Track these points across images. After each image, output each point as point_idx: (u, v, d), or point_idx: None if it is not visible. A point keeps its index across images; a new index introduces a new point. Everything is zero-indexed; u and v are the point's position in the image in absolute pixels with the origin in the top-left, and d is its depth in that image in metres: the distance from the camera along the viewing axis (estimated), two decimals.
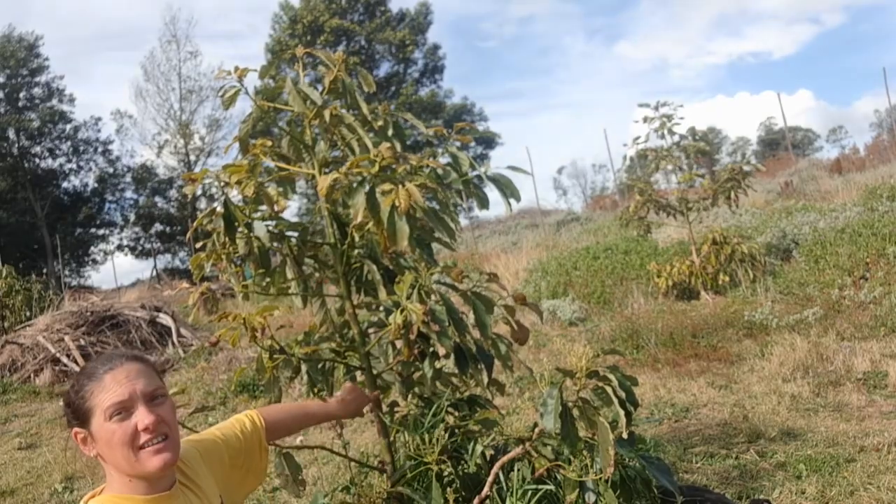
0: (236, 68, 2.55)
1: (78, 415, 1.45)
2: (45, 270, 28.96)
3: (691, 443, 4.05)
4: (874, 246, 7.79)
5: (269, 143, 2.57)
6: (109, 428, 1.41)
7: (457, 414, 2.86)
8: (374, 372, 2.77)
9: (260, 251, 2.55)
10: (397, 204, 2.20)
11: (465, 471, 2.72)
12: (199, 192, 2.64)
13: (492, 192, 2.72)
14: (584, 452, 2.54)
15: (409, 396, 2.90)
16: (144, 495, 1.46)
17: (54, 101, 33.93)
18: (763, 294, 7.75)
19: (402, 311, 2.39)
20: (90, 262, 35.87)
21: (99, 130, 35.11)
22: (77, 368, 8.90)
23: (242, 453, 1.79)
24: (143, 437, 1.42)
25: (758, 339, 6.15)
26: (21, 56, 32.65)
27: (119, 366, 1.46)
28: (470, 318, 2.58)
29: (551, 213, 20.72)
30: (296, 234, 2.70)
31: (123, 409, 1.42)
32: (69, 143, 34.65)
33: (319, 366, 2.77)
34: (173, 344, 9.76)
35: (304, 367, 2.71)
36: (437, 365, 2.66)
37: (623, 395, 2.38)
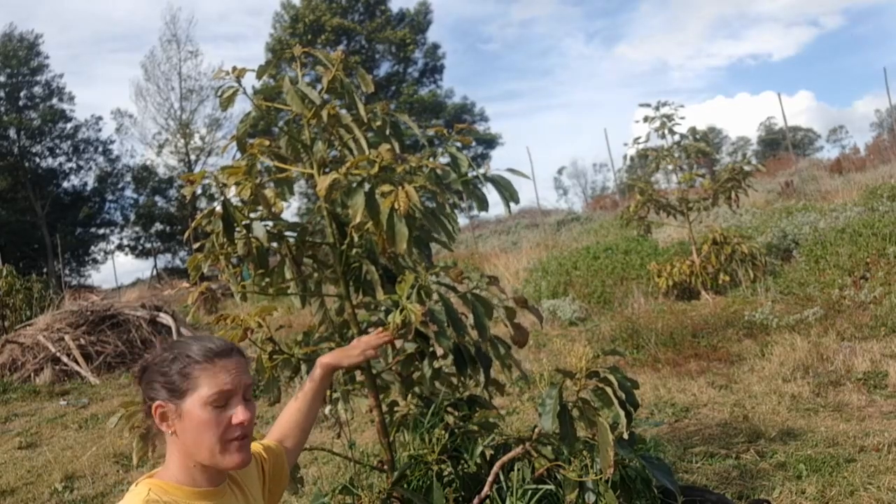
0: (234, 68, 2.54)
1: (172, 389, 1.41)
2: (45, 270, 29.03)
3: (691, 443, 4.05)
4: (874, 246, 7.79)
5: (267, 142, 2.57)
6: (205, 413, 1.39)
7: (457, 414, 2.86)
8: (374, 371, 2.76)
9: (258, 251, 2.55)
10: (397, 207, 2.19)
11: (465, 470, 2.72)
12: (198, 191, 2.63)
13: (491, 193, 2.72)
14: (585, 452, 2.54)
15: (409, 396, 2.90)
16: (198, 487, 1.43)
17: (55, 100, 33.95)
18: (763, 294, 7.75)
19: (401, 311, 2.39)
20: (90, 262, 35.94)
21: (99, 130, 35.17)
22: (78, 368, 8.90)
23: (279, 468, 1.75)
24: (236, 432, 1.41)
25: (758, 339, 6.15)
26: (22, 55, 32.64)
27: (230, 356, 1.44)
28: (469, 320, 2.58)
29: (551, 212, 20.72)
30: (294, 234, 2.69)
31: (225, 400, 1.40)
32: (69, 142, 34.67)
33: None
34: None
35: (303, 368, 2.71)
36: (437, 365, 2.66)
37: (623, 395, 2.38)
